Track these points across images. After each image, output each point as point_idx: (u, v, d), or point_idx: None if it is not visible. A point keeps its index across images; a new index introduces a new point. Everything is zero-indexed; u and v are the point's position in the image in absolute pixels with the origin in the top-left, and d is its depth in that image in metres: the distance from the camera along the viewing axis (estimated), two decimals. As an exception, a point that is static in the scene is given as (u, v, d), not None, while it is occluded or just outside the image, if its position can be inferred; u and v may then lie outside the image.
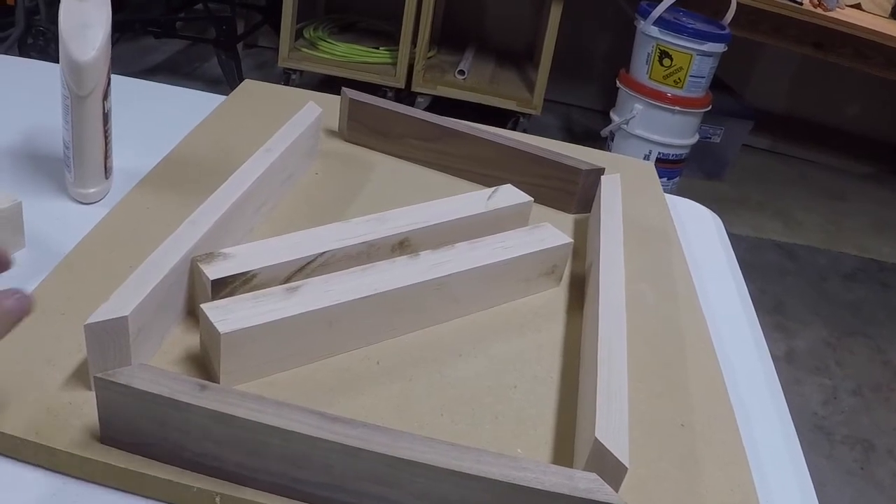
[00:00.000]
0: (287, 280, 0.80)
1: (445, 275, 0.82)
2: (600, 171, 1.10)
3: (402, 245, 0.88)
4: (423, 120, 1.17)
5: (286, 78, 3.70)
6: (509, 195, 1.00)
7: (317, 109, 1.11)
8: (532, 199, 1.00)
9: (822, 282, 3.38)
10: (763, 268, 3.34)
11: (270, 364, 0.74)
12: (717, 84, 3.66)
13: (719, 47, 3.30)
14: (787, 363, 2.80)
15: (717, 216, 1.32)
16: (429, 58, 3.80)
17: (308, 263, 0.81)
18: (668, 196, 1.27)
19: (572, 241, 0.95)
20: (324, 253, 0.82)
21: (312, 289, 0.76)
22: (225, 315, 0.70)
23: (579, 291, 0.96)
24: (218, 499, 0.63)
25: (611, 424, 0.65)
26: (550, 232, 0.94)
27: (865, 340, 3.04)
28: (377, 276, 0.79)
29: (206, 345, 0.72)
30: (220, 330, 0.68)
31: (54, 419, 0.65)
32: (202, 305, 0.71)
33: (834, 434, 2.53)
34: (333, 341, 0.78)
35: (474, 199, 0.97)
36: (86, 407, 0.65)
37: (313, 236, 0.84)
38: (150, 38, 3.90)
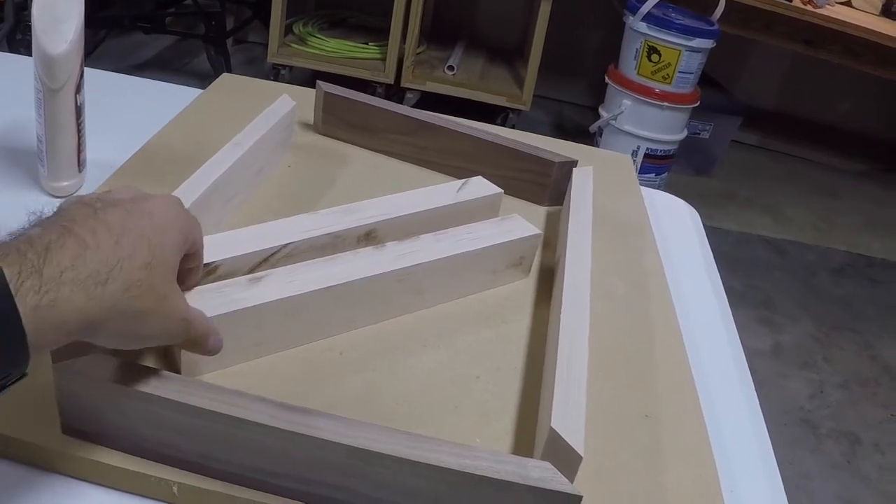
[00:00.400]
0: (251, 271, 0.80)
1: (410, 265, 0.82)
2: (573, 164, 1.11)
3: (369, 236, 0.88)
4: (398, 113, 1.17)
5: (275, 73, 3.69)
6: (479, 187, 1.00)
7: (290, 103, 1.11)
8: (502, 190, 1.00)
9: (811, 277, 3.38)
10: (751, 263, 3.33)
11: (233, 354, 0.73)
12: (707, 80, 3.66)
13: (708, 43, 3.29)
14: (774, 358, 2.79)
15: (694, 210, 1.32)
16: (418, 53, 3.79)
17: (272, 255, 0.81)
18: (645, 189, 1.27)
19: (541, 232, 0.95)
20: (287, 244, 0.82)
21: (276, 279, 0.76)
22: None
23: (548, 283, 0.96)
24: (175, 488, 0.63)
25: (567, 413, 0.65)
26: (519, 223, 0.94)
27: (853, 336, 3.04)
28: (341, 267, 0.79)
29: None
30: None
31: (15, 409, 0.64)
32: None
33: (820, 428, 2.53)
34: (296, 332, 0.78)
35: (443, 191, 0.97)
36: (48, 397, 0.64)
37: (278, 227, 0.84)
38: (139, 33, 3.89)
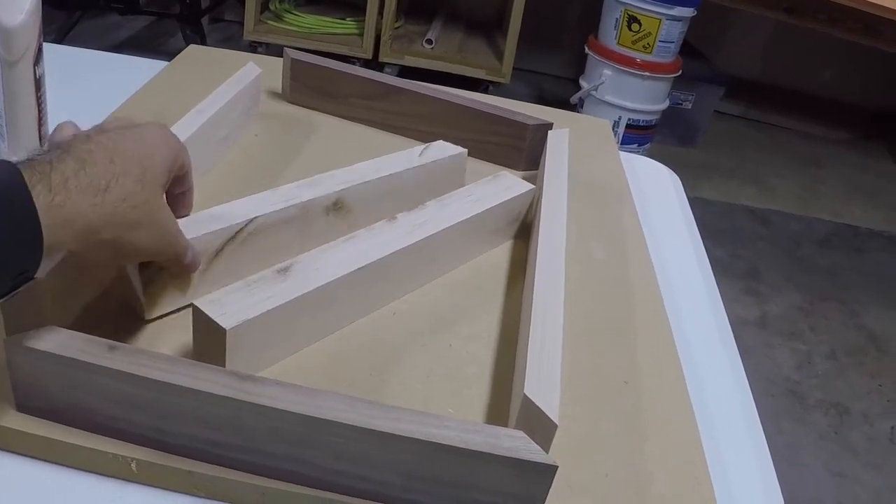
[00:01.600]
0: (219, 251, 0.76)
1: (428, 235, 0.81)
2: (548, 127, 1.08)
3: (336, 205, 0.85)
4: (366, 78, 1.14)
5: (252, 51, 3.64)
6: (442, 149, 0.97)
7: (256, 70, 1.08)
8: (465, 150, 0.98)
9: (796, 247, 3.37)
10: (735, 233, 3.32)
11: (272, 354, 0.71)
12: (688, 50, 3.64)
13: (688, 11, 3.27)
14: (760, 328, 2.78)
15: (675, 175, 1.30)
16: (396, 28, 3.75)
17: (239, 231, 0.77)
18: (625, 154, 1.25)
19: (534, 186, 0.94)
20: (254, 218, 0.78)
21: (302, 268, 0.72)
22: (222, 309, 0.66)
23: (524, 249, 0.94)
24: (134, 464, 0.60)
25: (542, 381, 0.62)
26: (512, 181, 0.94)
27: (839, 305, 3.03)
28: (362, 246, 0.77)
29: (203, 345, 0.67)
30: (223, 325, 0.64)
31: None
32: (196, 302, 0.66)
33: (807, 398, 2.51)
34: (331, 318, 0.75)
35: (406, 156, 0.95)
36: (3, 375, 0.62)
37: (242, 205, 0.80)
38: (114, 14, 3.84)
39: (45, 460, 0.61)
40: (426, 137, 1.10)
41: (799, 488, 2.18)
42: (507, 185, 0.92)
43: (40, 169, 0.54)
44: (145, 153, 0.63)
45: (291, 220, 0.81)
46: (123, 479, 0.61)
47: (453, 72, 3.65)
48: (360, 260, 0.75)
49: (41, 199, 0.52)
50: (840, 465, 2.30)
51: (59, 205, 0.53)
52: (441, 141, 0.99)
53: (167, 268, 0.71)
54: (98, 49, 1.35)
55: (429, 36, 3.79)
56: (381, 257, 0.76)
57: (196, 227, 0.75)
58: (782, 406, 2.44)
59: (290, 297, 0.69)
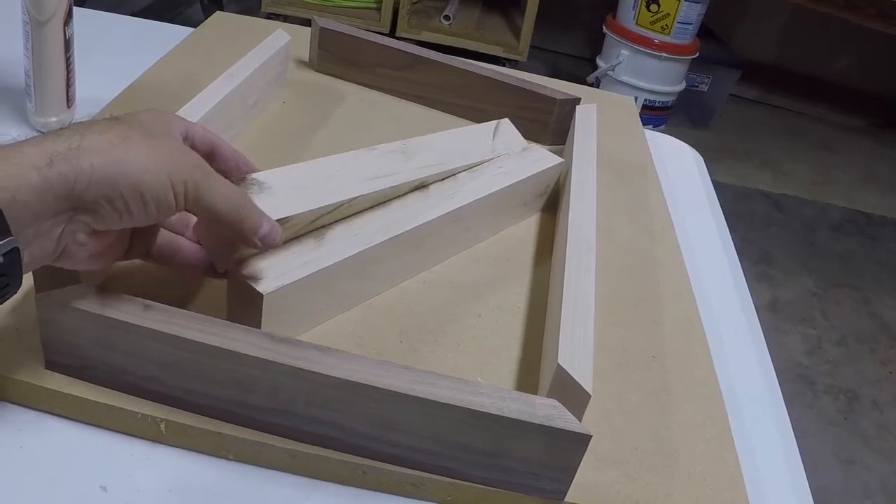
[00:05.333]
0: (314, 221, 0.73)
1: (462, 205, 0.80)
2: (576, 101, 1.07)
3: (420, 187, 0.84)
4: (394, 48, 1.14)
5: (270, 23, 3.64)
6: (509, 134, 0.95)
7: (285, 37, 1.08)
8: (562, 160, 0.96)
9: (809, 232, 3.36)
10: (749, 217, 3.31)
11: (306, 321, 0.70)
12: (706, 33, 3.63)
13: (707, -7, 3.26)
14: (772, 312, 2.78)
15: (698, 154, 1.29)
16: (414, 3, 3.74)
17: (336, 208, 0.73)
18: (648, 132, 1.24)
19: (563, 160, 0.93)
20: (356, 197, 0.74)
21: (338, 235, 0.72)
22: (260, 274, 0.65)
23: (551, 223, 0.94)
24: (163, 425, 0.60)
25: (575, 351, 0.62)
26: (542, 154, 0.93)
27: (852, 292, 3.02)
28: (397, 215, 0.76)
29: (237, 309, 0.66)
30: (261, 290, 0.63)
31: (-2, 344, 0.62)
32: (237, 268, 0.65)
33: (817, 384, 2.51)
34: (365, 286, 0.75)
35: (477, 137, 0.92)
36: (33, 333, 0.62)
37: (336, 170, 0.76)
38: (131, -18, 3.85)
39: (73, 419, 0.61)
40: (453, 109, 1.10)
41: (807, 474, 2.17)
42: (536, 157, 0.92)
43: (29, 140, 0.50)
44: (149, 119, 0.59)
45: (379, 199, 0.79)
46: (152, 440, 0.61)
47: (470, 48, 3.63)
48: (395, 228, 0.74)
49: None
50: (848, 451, 2.30)
51: (20, 148, 0.49)
52: (506, 120, 0.96)
53: (240, 243, 0.63)
54: (114, 18, 1.34)
55: (447, 12, 3.77)
56: (415, 226, 0.76)
57: (301, 196, 0.71)
58: (792, 391, 2.43)
59: (327, 264, 0.68)
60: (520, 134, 0.95)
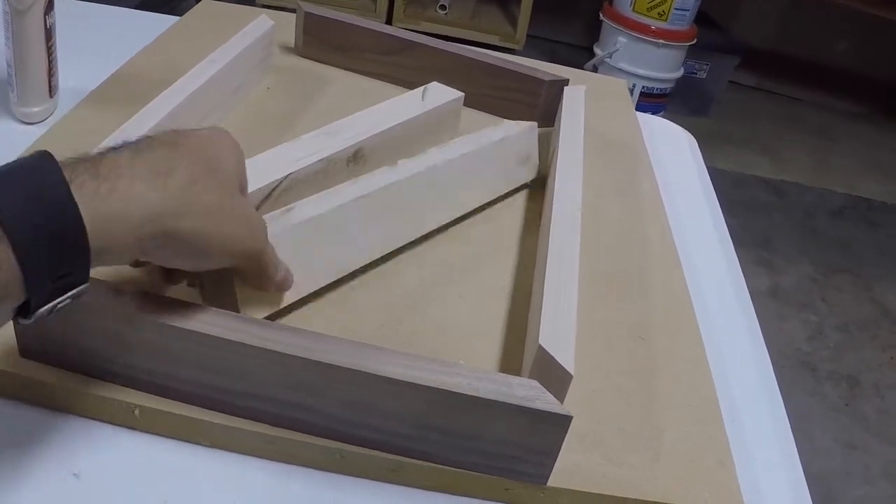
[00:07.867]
0: (256, 208, 0.73)
1: (429, 167, 0.80)
2: (563, 83, 1.06)
3: (356, 156, 0.83)
4: (379, 32, 1.13)
5: (265, 14, 3.63)
6: (440, 93, 0.96)
7: (268, 22, 1.07)
8: (462, 93, 0.97)
9: (809, 219, 3.34)
10: (748, 203, 3.29)
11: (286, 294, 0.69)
12: (704, 19, 3.61)
13: (704, -22, 3.25)
14: (772, 298, 2.76)
15: (692, 137, 1.28)
16: (410, -7, 3.75)
17: (274, 189, 0.73)
18: (640, 114, 1.23)
19: (535, 123, 0.93)
20: (288, 175, 0.74)
21: (305, 204, 0.71)
22: None
23: (537, 205, 0.92)
24: (137, 411, 0.59)
25: (557, 331, 0.61)
26: (512, 125, 0.92)
27: (853, 278, 3.01)
28: (367, 182, 0.75)
29: (213, 290, 0.65)
30: None
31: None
32: None
33: (819, 370, 2.50)
34: (343, 253, 0.74)
35: (408, 101, 0.93)
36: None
37: (267, 161, 0.77)
38: (125, -26, 3.84)
39: (46, 406, 0.60)
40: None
41: (809, 460, 2.16)
42: (507, 126, 0.91)
43: (85, 163, 0.47)
44: (214, 144, 0.56)
45: (317, 174, 0.79)
46: (126, 427, 0.60)
47: (466, 38, 3.62)
48: (362, 190, 0.74)
49: (85, 188, 0.45)
50: (850, 436, 2.29)
51: (106, 193, 0.46)
52: (435, 82, 0.97)
53: (252, 284, 0.63)
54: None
55: (443, 2, 3.77)
56: (382, 186, 0.75)
57: None
58: (793, 377, 2.42)
59: (293, 223, 0.67)
60: (452, 90, 0.96)
